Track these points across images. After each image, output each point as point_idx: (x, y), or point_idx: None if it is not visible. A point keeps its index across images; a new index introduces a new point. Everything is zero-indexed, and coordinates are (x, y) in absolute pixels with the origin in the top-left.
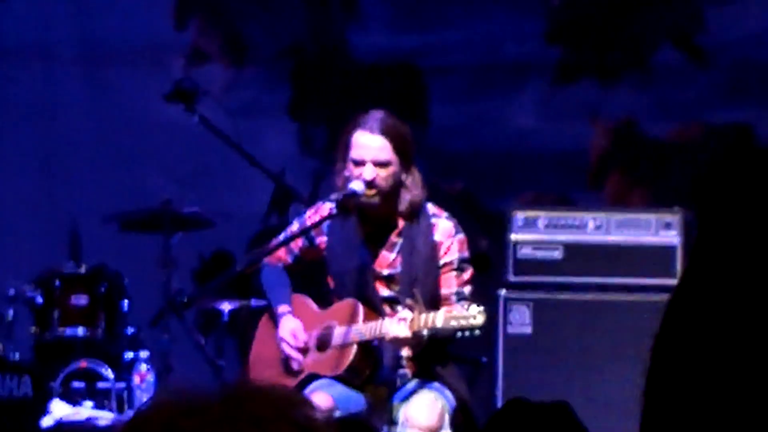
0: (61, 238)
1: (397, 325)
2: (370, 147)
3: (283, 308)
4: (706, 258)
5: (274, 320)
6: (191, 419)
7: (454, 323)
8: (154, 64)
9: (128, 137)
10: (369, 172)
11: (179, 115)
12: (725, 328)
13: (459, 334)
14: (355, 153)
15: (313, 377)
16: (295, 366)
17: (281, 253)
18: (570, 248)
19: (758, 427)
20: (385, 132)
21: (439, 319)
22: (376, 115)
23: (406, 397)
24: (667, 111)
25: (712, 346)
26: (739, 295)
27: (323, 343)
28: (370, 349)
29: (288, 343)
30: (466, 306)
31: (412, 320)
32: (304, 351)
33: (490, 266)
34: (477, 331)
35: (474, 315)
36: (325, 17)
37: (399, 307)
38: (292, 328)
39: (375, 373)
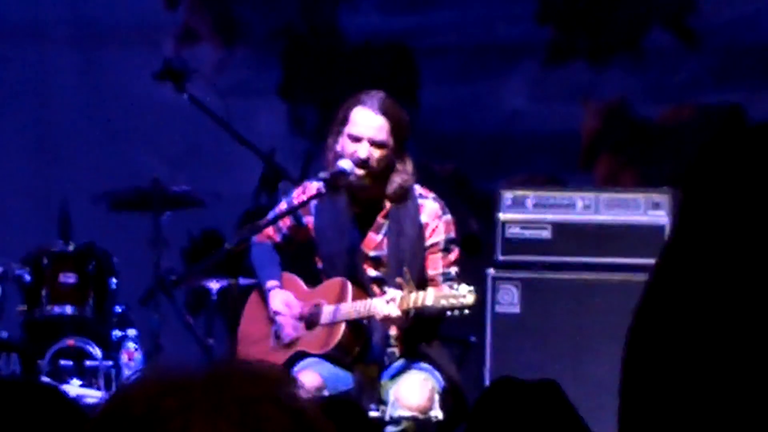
0: (51, 217)
1: (387, 304)
2: (369, 125)
3: (271, 283)
4: (690, 234)
5: (264, 297)
6: (173, 398)
7: (444, 302)
8: (145, 44)
9: (119, 117)
10: (364, 150)
11: (170, 94)
12: (706, 305)
13: (449, 313)
14: (353, 129)
15: (302, 355)
16: (291, 334)
17: (270, 231)
18: (559, 228)
19: (735, 406)
20: (386, 113)
21: (429, 297)
22: (379, 95)
23: (394, 376)
24: (659, 93)
25: (692, 325)
26: (722, 273)
27: (312, 322)
28: (359, 327)
29: (282, 314)
30: (455, 285)
31: (402, 299)
32: (299, 319)
33: (480, 248)
34: (467, 310)
35: (464, 294)
36: None
37: (387, 288)
38: (284, 298)
39: (364, 351)
